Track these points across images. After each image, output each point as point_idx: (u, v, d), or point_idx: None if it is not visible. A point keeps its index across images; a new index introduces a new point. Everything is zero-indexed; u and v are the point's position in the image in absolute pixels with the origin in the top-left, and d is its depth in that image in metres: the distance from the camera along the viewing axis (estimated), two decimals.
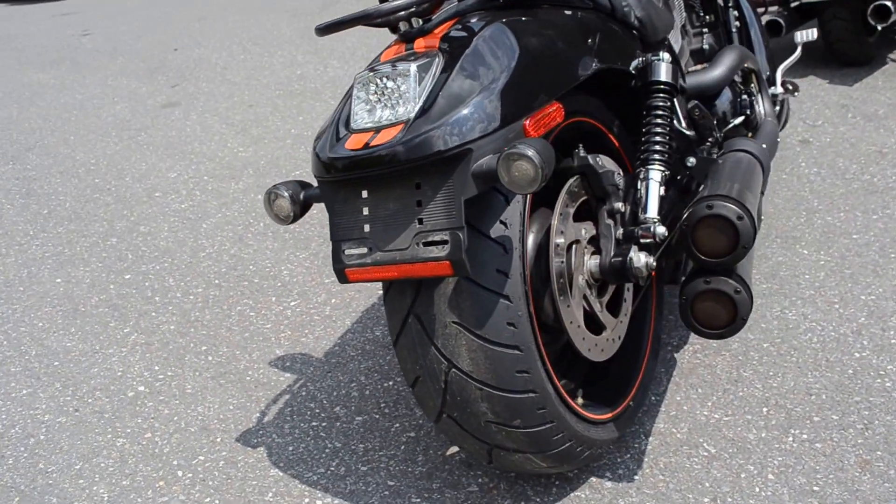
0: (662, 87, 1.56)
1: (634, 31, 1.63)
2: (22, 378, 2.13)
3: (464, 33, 1.27)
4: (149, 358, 2.15)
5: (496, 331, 1.23)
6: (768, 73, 2.40)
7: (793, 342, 1.87)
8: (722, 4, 2.32)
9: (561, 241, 1.35)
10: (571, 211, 1.40)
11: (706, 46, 2.19)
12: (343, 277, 1.23)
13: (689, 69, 2.04)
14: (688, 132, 1.64)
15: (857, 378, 1.73)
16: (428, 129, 1.14)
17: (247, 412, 1.88)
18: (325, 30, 1.23)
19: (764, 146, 1.73)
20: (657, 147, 1.51)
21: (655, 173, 1.47)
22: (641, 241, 1.41)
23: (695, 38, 2.20)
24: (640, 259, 1.39)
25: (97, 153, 3.90)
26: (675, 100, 1.60)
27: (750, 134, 2.12)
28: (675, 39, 1.99)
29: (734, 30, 2.39)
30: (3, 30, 8.16)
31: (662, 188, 1.47)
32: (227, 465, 1.71)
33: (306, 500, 1.58)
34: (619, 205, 1.47)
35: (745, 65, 2.11)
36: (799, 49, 2.54)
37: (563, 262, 1.35)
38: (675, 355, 1.88)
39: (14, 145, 4.19)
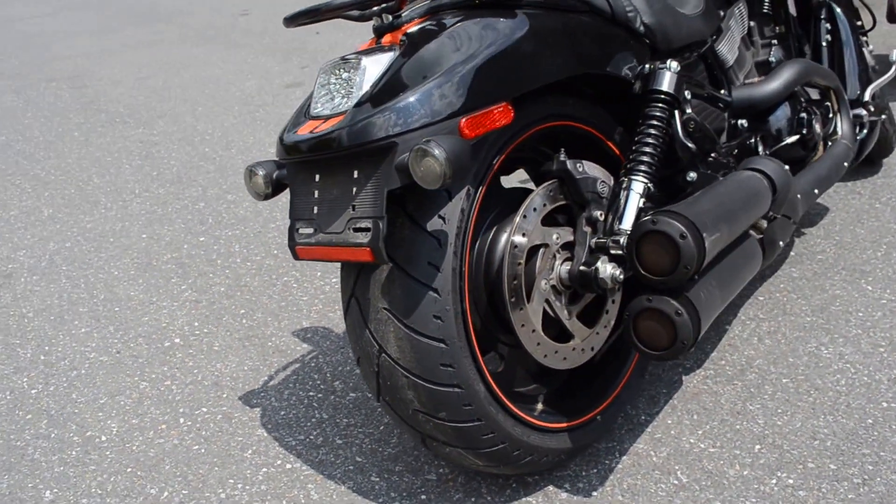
0: (662, 97, 1.51)
1: (642, 38, 1.57)
2: (85, 318, 2.36)
3: (429, 30, 1.28)
4: (193, 314, 2.32)
5: (422, 322, 1.24)
6: (858, 92, 2.21)
7: (816, 381, 1.73)
8: (814, 17, 2.17)
9: (521, 241, 1.34)
10: (540, 213, 1.38)
11: (773, 59, 2.06)
12: (295, 254, 1.29)
13: (746, 81, 1.92)
14: (690, 145, 1.58)
15: (875, 429, 1.57)
16: (360, 119, 1.18)
17: (257, 374, 1.99)
18: (293, 20, 1.28)
19: (786, 168, 1.63)
20: (644, 158, 1.46)
21: (637, 185, 1.43)
22: (611, 251, 1.37)
23: (763, 49, 2.07)
24: (606, 270, 1.35)
25: (215, 125, 4.21)
26: (676, 112, 1.54)
27: (815, 154, 1.97)
28: (729, 49, 1.89)
29: (824, 44, 2.22)
30: (176, 5, 8.92)
31: (643, 200, 1.42)
32: (223, 419, 1.83)
33: (279, 461, 1.66)
34: (598, 213, 1.43)
35: (814, 81, 1.96)
36: (894, 68, 2.30)
37: (519, 263, 1.33)
38: (684, 377, 1.79)
39: (149, 112, 4.60)
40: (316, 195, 1.26)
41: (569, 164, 1.41)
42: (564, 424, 1.47)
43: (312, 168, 1.27)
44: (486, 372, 1.33)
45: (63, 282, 2.61)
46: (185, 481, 1.63)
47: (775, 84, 1.84)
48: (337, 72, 1.26)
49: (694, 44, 1.71)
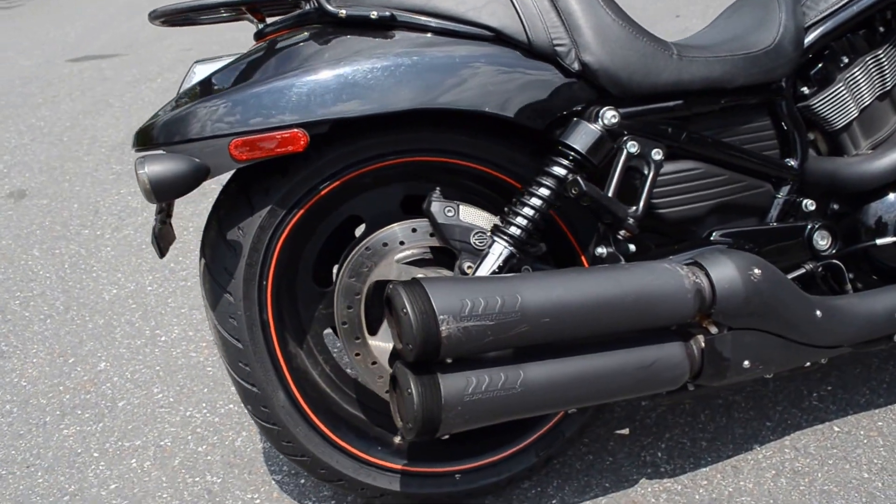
0: (566, 152, 1.37)
1: (581, 78, 1.37)
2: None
3: (274, 42, 1.35)
4: None
5: (222, 318, 1.38)
6: None
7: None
8: None
9: (350, 281, 1.43)
10: (394, 251, 1.43)
11: None
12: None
13: (857, 152, 1.66)
14: (613, 212, 1.39)
15: None
16: (149, 124, 1.27)
17: None
18: (158, 16, 1.33)
19: (755, 271, 1.35)
20: (516, 220, 1.36)
21: (497, 247, 1.36)
22: None
23: None
24: None
25: None
26: (583, 172, 1.38)
27: None
28: (834, 106, 1.61)
29: None
30: None
31: (499, 264, 1.35)
32: None
33: None
34: (468, 264, 1.39)
35: None
36: None
37: (357, 294, 1.42)
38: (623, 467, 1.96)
39: None
40: None
41: (435, 205, 1.37)
42: (399, 466, 1.50)
43: None
44: (291, 382, 1.44)
45: None
46: None
47: (880, 163, 1.58)
48: (191, 74, 1.38)
49: (648, 91, 1.41)
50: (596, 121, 1.39)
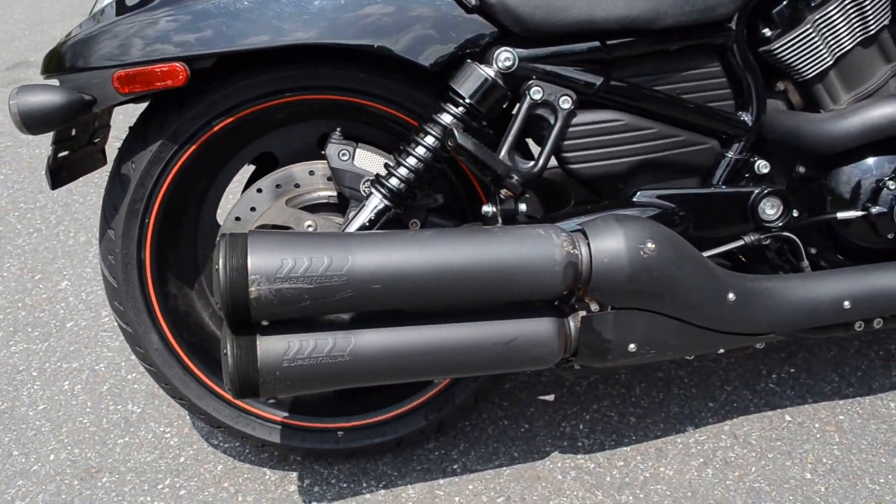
0: (455, 98, 1.27)
1: (480, 13, 1.24)
2: None
3: None
4: None
5: (104, 255, 1.37)
6: None
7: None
8: None
9: (247, 215, 1.36)
10: (286, 193, 1.38)
11: None
12: None
13: (835, 107, 1.42)
14: (492, 169, 1.26)
15: None
16: (53, 51, 1.25)
17: None
18: None
19: (648, 245, 1.18)
20: (398, 171, 1.27)
21: (374, 199, 1.29)
22: None
23: None
24: None
25: None
26: (476, 120, 1.28)
27: None
28: (801, 50, 1.37)
29: None
30: None
31: (370, 218, 1.28)
32: None
33: None
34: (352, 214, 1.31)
35: None
36: None
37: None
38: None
39: None
40: None
41: (331, 147, 1.32)
42: (279, 418, 1.47)
43: None
44: (165, 325, 1.41)
45: None
46: None
47: (854, 120, 1.36)
48: None
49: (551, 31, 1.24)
50: (491, 63, 1.26)
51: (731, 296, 1.28)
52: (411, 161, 1.28)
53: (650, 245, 1.20)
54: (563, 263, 1.18)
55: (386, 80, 1.31)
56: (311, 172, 1.40)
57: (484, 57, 1.27)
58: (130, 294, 1.38)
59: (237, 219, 1.41)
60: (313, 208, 1.41)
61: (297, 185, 1.40)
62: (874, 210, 1.39)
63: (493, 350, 1.20)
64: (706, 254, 1.38)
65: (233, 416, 1.47)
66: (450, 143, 1.25)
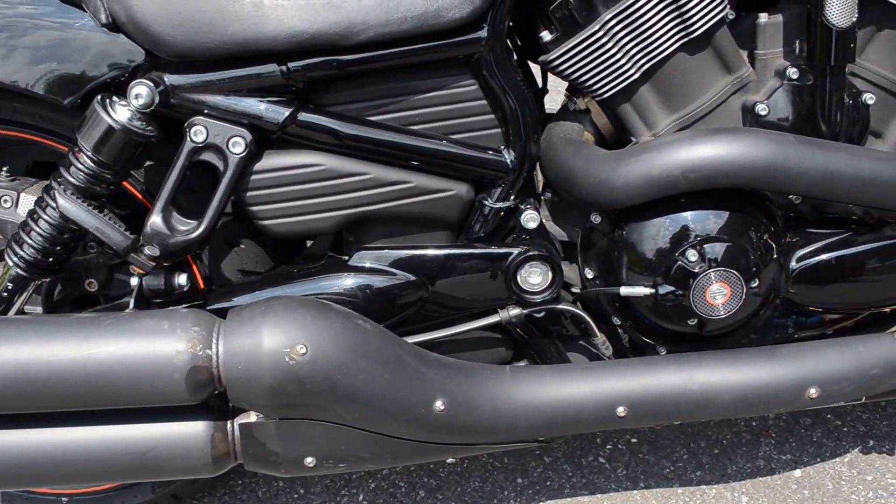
0: (83, 150, 1.01)
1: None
2: None
3: None
4: None
5: None
6: None
7: None
8: None
9: None
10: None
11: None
12: None
13: (653, 133, 1.10)
14: (110, 240, 1.02)
15: None
16: None
17: None
18: None
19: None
20: (28, 238, 1.03)
21: (10, 266, 1.06)
22: None
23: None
24: None
25: None
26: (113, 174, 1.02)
27: None
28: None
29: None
30: None
31: (6, 285, 1.07)
32: None
33: None
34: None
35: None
36: None
37: None
38: None
39: None
40: None
41: None
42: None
43: None
44: None
45: None
46: None
47: (636, 168, 1.02)
48: None
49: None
50: (122, 100, 0.99)
51: (438, 403, 0.99)
52: (41, 224, 1.03)
53: (300, 348, 0.92)
54: (185, 369, 0.92)
55: (47, 110, 1.08)
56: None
57: (126, 89, 1.00)
58: None
59: None
60: None
61: None
62: (662, 290, 1.04)
63: (128, 461, 0.98)
64: (456, 330, 1.09)
65: None
66: (51, 206, 1.01)
